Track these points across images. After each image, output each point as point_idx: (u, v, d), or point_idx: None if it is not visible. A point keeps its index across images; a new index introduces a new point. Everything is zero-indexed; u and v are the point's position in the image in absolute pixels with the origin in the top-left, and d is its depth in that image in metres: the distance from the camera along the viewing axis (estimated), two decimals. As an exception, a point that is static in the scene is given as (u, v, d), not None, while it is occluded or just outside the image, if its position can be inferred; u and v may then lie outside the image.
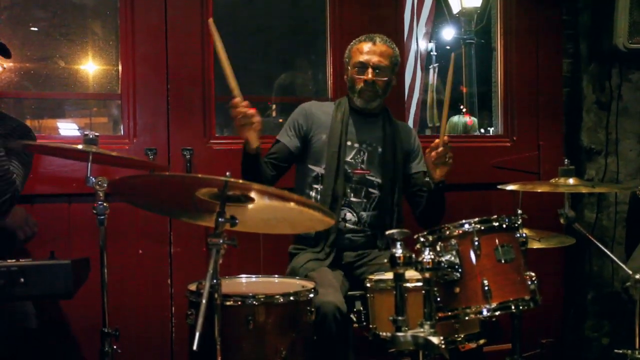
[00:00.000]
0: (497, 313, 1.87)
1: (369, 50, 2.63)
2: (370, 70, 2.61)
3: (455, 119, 5.28)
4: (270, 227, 2.28)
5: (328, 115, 2.69)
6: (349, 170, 2.64)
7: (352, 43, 2.72)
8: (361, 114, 2.70)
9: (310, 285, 2.22)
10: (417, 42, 5.99)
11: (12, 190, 2.20)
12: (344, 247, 2.63)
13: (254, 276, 2.43)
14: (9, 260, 1.98)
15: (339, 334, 2.22)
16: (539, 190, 2.64)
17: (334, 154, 2.61)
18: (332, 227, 2.53)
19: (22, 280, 1.93)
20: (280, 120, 4.71)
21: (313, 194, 2.65)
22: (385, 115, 2.75)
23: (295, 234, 2.72)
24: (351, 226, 2.64)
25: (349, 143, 2.65)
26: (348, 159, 2.65)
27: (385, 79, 2.65)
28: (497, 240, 1.91)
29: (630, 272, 2.39)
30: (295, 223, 2.18)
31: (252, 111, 2.35)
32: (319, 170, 2.65)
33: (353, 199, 2.64)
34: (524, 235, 2.00)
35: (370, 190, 2.66)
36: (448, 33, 8.17)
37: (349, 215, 2.63)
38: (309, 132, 2.68)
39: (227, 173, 1.73)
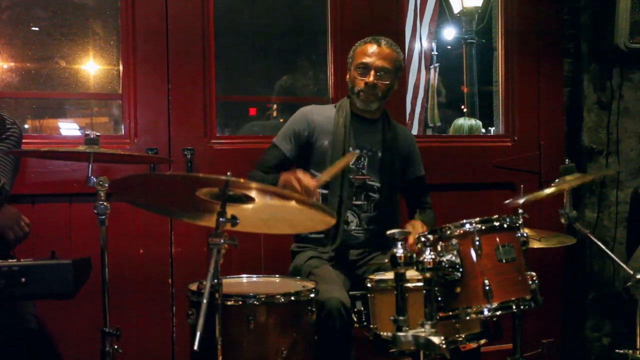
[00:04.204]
0: (498, 313, 1.87)
1: (372, 52, 2.60)
2: (372, 72, 2.59)
3: (461, 121, 5.30)
4: (269, 227, 2.27)
5: (329, 119, 2.67)
6: (351, 176, 2.63)
7: (356, 44, 2.69)
8: (362, 119, 2.69)
9: (311, 285, 2.22)
10: (420, 42, 5.99)
11: None
12: (347, 246, 2.64)
13: (254, 276, 2.43)
14: (10, 260, 1.97)
15: (342, 330, 2.22)
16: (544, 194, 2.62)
17: None
18: (338, 231, 2.55)
19: (23, 280, 1.93)
20: (281, 120, 4.71)
21: None
22: (384, 119, 2.74)
23: (297, 235, 2.72)
24: (354, 227, 2.65)
25: (350, 149, 2.64)
26: (350, 164, 2.64)
27: (387, 82, 2.62)
28: (498, 240, 1.91)
29: (632, 272, 2.39)
30: (294, 223, 2.18)
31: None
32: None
33: (355, 202, 2.65)
34: (525, 235, 2.00)
35: (370, 194, 2.67)
36: (449, 33, 8.18)
37: (351, 217, 2.64)
38: (310, 139, 2.65)
39: (228, 173, 1.73)
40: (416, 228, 2.45)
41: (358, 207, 2.65)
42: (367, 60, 2.60)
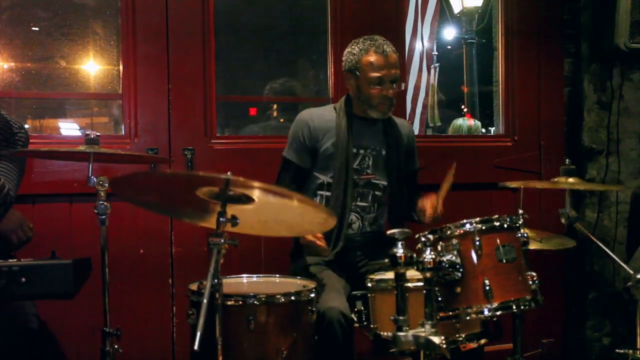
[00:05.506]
0: (498, 313, 1.87)
1: (384, 64, 2.54)
2: (389, 84, 2.55)
3: (460, 121, 5.31)
4: (268, 230, 2.25)
5: (330, 122, 2.64)
6: (356, 177, 2.62)
7: (357, 51, 2.59)
8: (362, 119, 2.67)
9: (311, 285, 2.22)
10: (422, 42, 5.98)
11: (3, 196, 2.19)
12: (349, 248, 2.62)
13: (255, 276, 2.43)
14: (10, 260, 1.98)
15: (344, 339, 2.21)
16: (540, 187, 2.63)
17: (343, 165, 2.57)
18: (339, 235, 2.54)
19: (23, 280, 1.93)
20: (282, 120, 4.71)
21: (317, 200, 2.63)
22: None
23: (296, 238, 2.71)
24: (355, 230, 2.64)
25: (354, 150, 2.63)
26: (354, 165, 2.62)
27: (397, 86, 2.61)
28: (498, 240, 1.91)
29: (632, 272, 2.40)
30: (293, 226, 2.16)
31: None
32: (324, 178, 2.63)
33: (359, 204, 2.64)
34: (525, 235, 2.00)
35: (376, 192, 2.66)
36: (449, 33, 8.19)
37: (353, 219, 2.63)
38: (315, 144, 2.62)
39: (228, 173, 1.73)
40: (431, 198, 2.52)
41: (361, 208, 2.65)
42: (382, 74, 2.54)
